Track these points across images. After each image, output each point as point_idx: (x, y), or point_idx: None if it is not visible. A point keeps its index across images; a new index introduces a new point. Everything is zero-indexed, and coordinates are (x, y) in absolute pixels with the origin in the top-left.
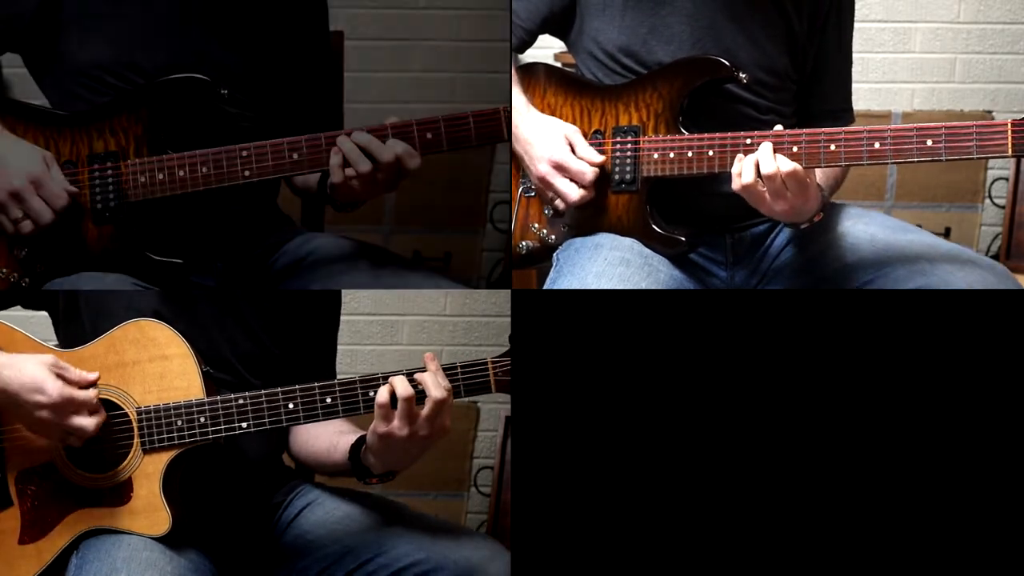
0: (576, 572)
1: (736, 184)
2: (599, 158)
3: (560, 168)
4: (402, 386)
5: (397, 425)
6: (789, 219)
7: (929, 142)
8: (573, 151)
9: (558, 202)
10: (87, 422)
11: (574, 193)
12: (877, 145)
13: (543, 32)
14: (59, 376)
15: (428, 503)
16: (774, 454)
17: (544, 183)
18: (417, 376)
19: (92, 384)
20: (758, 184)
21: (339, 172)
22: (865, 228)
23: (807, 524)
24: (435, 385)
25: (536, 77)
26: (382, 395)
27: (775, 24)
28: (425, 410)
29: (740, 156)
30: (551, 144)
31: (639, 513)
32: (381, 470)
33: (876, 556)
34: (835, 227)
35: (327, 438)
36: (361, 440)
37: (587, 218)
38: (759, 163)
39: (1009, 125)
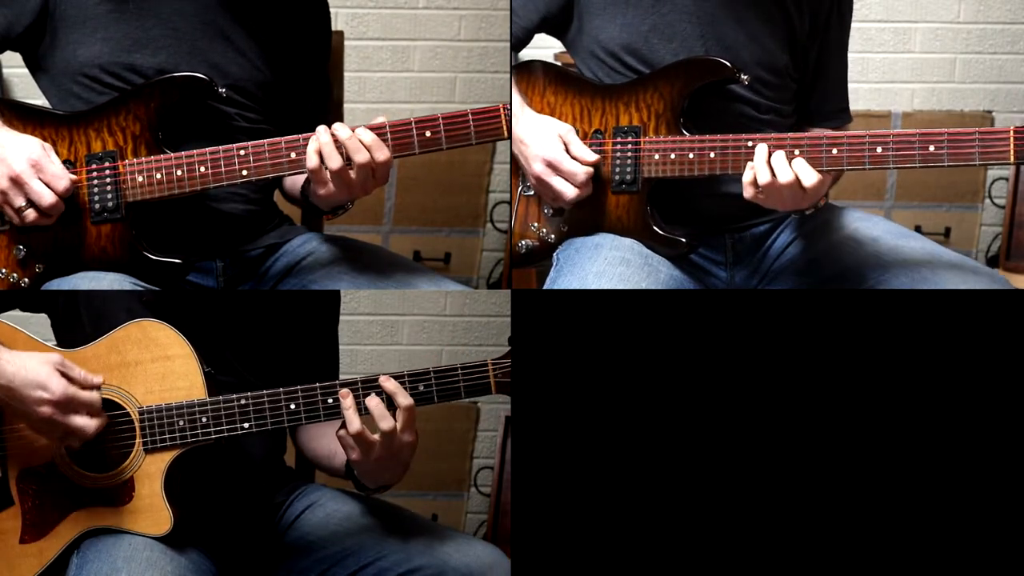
0: (576, 572)
1: (749, 192)
2: (593, 157)
3: (554, 167)
4: (354, 423)
5: (359, 455)
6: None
7: (932, 147)
8: (568, 150)
9: (555, 201)
10: (87, 423)
11: (570, 192)
12: (879, 150)
13: (541, 31)
14: (63, 375)
15: (428, 503)
16: (774, 454)
17: (540, 182)
18: (368, 404)
19: (96, 387)
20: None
21: (314, 157)
22: (868, 233)
23: (808, 524)
24: (383, 416)
25: (535, 75)
26: (352, 425)
27: (776, 21)
28: (379, 436)
29: (750, 164)
30: (545, 143)
31: (639, 513)
32: (373, 486)
33: (876, 556)
34: (838, 230)
35: (327, 443)
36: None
37: (587, 218)
38: (775, 170)
39: (1012, 132)
